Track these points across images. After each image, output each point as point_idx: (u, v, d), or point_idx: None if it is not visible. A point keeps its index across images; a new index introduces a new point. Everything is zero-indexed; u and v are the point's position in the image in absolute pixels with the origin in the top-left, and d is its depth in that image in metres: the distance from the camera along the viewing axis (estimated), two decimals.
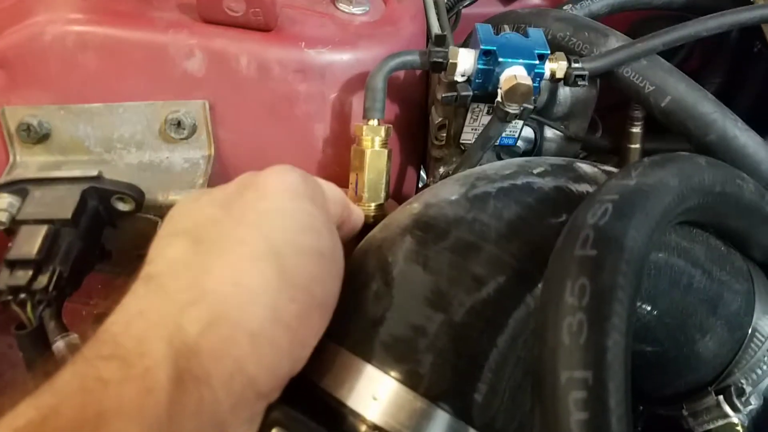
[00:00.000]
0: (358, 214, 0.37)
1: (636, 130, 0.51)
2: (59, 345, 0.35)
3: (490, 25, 0.38)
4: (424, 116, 0.49)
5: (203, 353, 0.22)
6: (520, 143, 0.45)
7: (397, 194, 0.51)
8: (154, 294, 0.24)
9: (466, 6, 0.61)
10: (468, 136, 0.43)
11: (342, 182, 0.43)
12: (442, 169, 0.48)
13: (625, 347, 0.22)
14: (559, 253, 0.24)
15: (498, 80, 0.37)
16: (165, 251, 0.26)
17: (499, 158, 0.47)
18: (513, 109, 0.35)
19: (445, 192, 0.33)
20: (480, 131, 0.42)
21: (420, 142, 0.50)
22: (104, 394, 0.20)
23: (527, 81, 0.35)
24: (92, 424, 0.19)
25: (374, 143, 0.39)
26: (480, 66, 0.37)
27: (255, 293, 0.24)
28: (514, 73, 0.35)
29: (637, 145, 0.51)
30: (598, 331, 0.22)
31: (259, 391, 0.24)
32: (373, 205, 0.40)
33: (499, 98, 0.36)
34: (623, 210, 0.25)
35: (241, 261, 0.24)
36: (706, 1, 0.55)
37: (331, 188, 0.34)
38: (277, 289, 0.24)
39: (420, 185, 0.56)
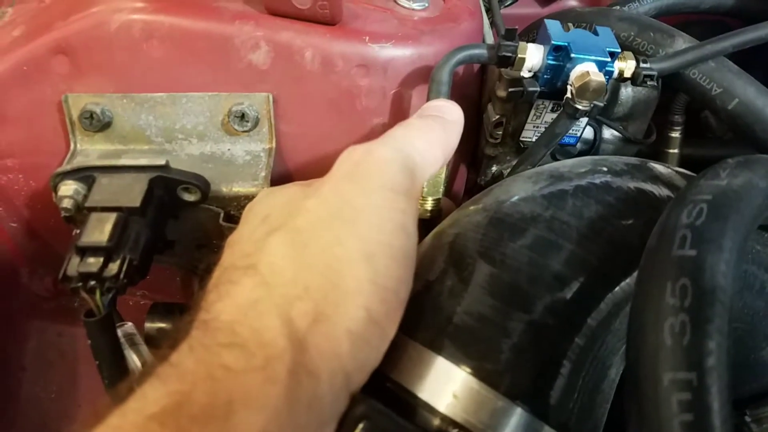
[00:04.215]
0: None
1: (675, 134, 0.50)
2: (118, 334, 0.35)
3: (558, 21, 0.38)
4: (478, 114, 0.49)
5: (311, 349, 0.22)
6: (577, 144, 0.45)
7: (446, 193, 0.51)
8: (260, 287, 0.24)
9: (507, 6, 0.62)
10: (529, 134, 0.42)
11: None
12: (494, 168, 0.48)
13: (727, 350, 0.22)
14: (655, 253, 0.24)
15: (567, 76, 0.36)
16: (263, 244, 0.26)
17: (554, 159, 0.47)
18: (583, 105, 0.35)
19: (517, 189, 0.32)
20: (542, 129, 0.41)
21: (472, 140, 0.50)
22: (231, 382, 0.20)
23: (600, 77, 0.34)
24: (222, 411, 0.20)
25: None
26: (549, 61, 0.36)
27: (351, 295, 0.24)
28: (586, 69, 0.35)
29: (676, 150, 0.50)
30: (702, 332, 0.21)
31: (352, 389, 0.24)
32: (430, 200, 0.39)
33: (569, 94, 0.36)
34: (719, 211, 0.24)
35: (337, 262, 0.25)
36: (756, 5, 0.55)
37: (420, 151, 0.31)
38: (370, 292, 0.25)
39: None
